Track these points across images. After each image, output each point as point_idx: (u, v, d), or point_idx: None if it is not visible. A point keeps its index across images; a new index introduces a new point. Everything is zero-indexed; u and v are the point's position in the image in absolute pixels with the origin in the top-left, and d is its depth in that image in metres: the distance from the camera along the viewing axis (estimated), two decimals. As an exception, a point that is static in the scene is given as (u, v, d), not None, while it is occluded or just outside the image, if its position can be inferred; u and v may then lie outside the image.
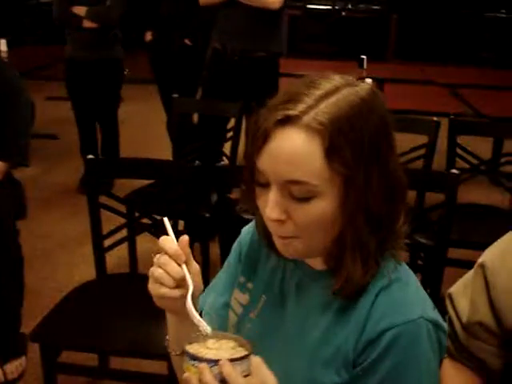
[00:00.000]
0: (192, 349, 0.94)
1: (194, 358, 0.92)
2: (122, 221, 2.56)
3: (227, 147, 3.43)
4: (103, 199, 2.40)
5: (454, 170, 2.28)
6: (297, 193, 0.99)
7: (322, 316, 1.09)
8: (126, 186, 3.35)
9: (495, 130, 3.63)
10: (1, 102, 2.52)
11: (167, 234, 1.05)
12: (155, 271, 1.02)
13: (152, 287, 1.04)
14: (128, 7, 4.62)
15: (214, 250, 3.26)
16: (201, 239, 3.09)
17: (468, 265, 3.26)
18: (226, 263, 1.33)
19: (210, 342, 0.97)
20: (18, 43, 6.76)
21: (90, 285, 2.36)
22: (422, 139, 3.11)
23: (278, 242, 1.08)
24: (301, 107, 0.98)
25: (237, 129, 3.32)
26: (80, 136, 4.83)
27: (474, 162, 3.23)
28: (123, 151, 4.98)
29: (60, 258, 3.74)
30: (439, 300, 2.37)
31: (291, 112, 0.98)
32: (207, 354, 0.93)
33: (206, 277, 3.26)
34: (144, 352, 2.03)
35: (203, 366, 0.90)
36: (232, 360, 0.91)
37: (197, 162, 2.24)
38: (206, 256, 3.19)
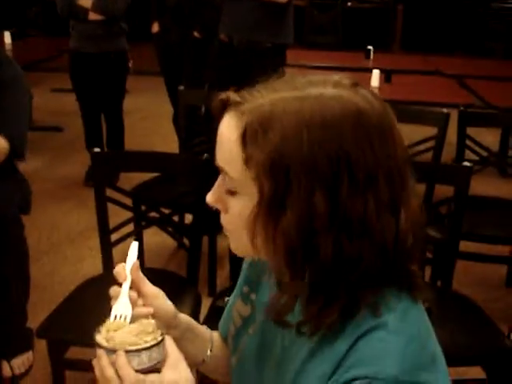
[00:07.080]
0: (101, 336, 0.95)
1: (98, 344, 0.93)
2: (129, 214, 2.53)
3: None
4: (110, 193, 2.37)
5: (466, 163, 2.24)
6: (225, 183, 0.92)
7: (302, 347, 0.96)
8: (131, 179, 3.33)
9: (506, 120, 3.60)
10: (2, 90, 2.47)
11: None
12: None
13: None
14: (134, -2, 4.58)
15: (222, 243, 3.25)
16: (209, 232, 3.08)
17: (478, 257, 3.26)
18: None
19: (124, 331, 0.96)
20: (22, 35, 6.74)
21: (97, 279, 2.33)
22: (429, 131, 3.08)
23: None
24: (251, 95, 0.90)
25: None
26: (85, 128, 4.80)
27: (484, 153, 3.20)
28: (128, 143, 4.95)
29: (66, 252, 3.71)
30: (451, 293, 2.36)
31: (235, 97, 0.91)
32: (108, 343, 0.92)
33: (214, 270, 3.27)
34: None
35: (101, 351, 0.91)
36: (128, 351, 0.90)
37: (205, 154, 2.21)
38: (213, 249, 3.18)
